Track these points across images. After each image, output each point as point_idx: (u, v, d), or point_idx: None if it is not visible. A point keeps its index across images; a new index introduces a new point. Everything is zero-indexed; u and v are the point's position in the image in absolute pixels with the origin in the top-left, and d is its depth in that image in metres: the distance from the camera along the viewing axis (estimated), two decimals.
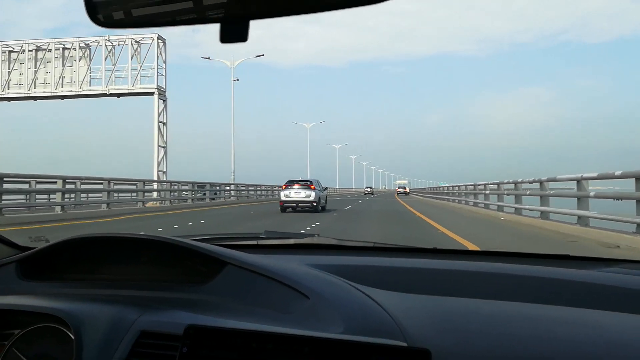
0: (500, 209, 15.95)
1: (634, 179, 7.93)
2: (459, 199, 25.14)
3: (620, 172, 8.43)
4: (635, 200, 7.79)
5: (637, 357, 0.76)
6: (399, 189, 71.94)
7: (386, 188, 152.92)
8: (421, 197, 42.97)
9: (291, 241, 1.65)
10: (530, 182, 13.48)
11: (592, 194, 9.57)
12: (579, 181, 10.16)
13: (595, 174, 9.67)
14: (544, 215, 11.89)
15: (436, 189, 46.34)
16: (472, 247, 8.04)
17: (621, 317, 0.92)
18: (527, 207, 13.48)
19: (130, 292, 1.06)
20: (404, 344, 0.74)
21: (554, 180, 11.79)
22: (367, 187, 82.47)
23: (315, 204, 18.03)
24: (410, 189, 78.23)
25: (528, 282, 1.09)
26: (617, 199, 8.70)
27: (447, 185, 47.90)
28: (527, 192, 13.81)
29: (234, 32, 0.62)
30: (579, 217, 9.91)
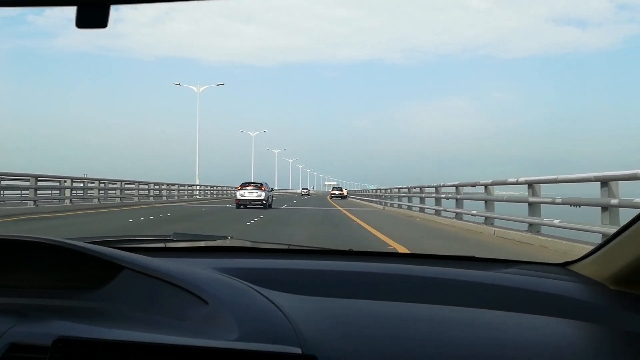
0: (422, 210, 17.98)
1: (526, 185, 9.46)
2: (384, 200, 27.17)
3: (513, 179, 10.33)
4: (527, 203, 9.31)
5: (530, 356, 0.76)
6: (334, 191, 53.05)
7: (314, 189, 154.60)
8: (354, 199, 45.49)
9: (201, 244, 1.58)
10: (450, 186, 14.93)
11: (497, 196, 11.46)
12: (487, 186, 11.78)
13: (489, 181, 11.63)
14: (459, 216, 13.31)
15: (364, 192, 48.89)
16: (385, 238, 9.33)
17: (515, 317, 0.93)
18: (448, 209, 14.95)
19: (7, 300, 0.95)
20: (298, 350, 0.71)
21: (466, 185, 13.35)
22: (303, 189, 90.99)
23: (265, 202, 22.59)
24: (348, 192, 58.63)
25: (431, 284, 1.09)
26: (512, 202, 10.65)
27: (374, 188, 50.54)
28: (444, 196, 15.62)
29: (92, 17, 0.56)
30: (486, 217, 11.41)
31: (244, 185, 23.53)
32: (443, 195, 15.31)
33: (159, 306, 0.89)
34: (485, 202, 11.34)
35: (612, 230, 7.14)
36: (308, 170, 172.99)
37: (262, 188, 23.15)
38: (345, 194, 53.69)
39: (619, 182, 7.08)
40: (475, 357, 0.75)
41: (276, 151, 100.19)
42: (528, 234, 8.93)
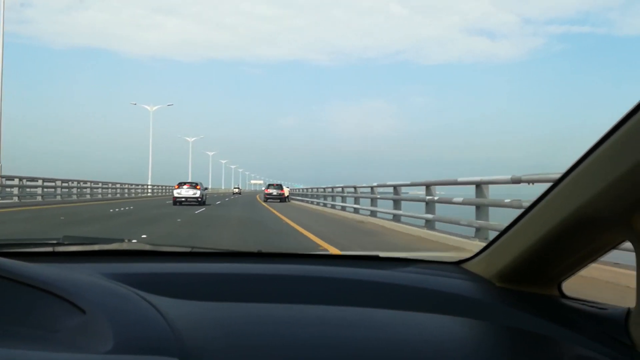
0: (343, 208, 20.09)
1: (424, 186, 11.59)
2: (314, 200, 28.45)
3: (409, 181, 13.01)
4: (424, 203, 11.40)
5: (417, 354, 0.77)
6: (270, 190, 37.62)
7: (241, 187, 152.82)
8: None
9: (95, 247, 1.45)
10: (365, 187, 17.22)
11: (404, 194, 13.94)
12: (395, 187, 13.97)
13: (388, 182, 14.16)
14: (373, 213, 15.46)
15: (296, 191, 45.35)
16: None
17: (408, 315, 0.94)
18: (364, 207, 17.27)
19: None
20: None
21: (383, 185, 15.18)
22: (235, 188, 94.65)
23: (200, 200, 26.11)
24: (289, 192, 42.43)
25: (332, 285, 1.08)
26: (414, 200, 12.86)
27: (301, 187, 49.85)
28: (359, 194, 18.13)
29: None
30: (394, 215, 13.64)
31: (180, 185, 27.07)
32: (379, 195, 16.11)
33: (32, 317, 0.79)
34: (427, 203, 12.11)
35: (481, 223, 8.18)
36: (240, 170, 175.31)
37: (198, 187, 26.80)
38: (285, 194, 37.96)
39: (495, 185, 8.77)
40: (365, 357, 0.75)
41: (210, 153, 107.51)
42: (433, 232, 10.43)
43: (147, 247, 1.45)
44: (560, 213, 0.86)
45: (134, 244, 1.59)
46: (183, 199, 25.83)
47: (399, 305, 0.98)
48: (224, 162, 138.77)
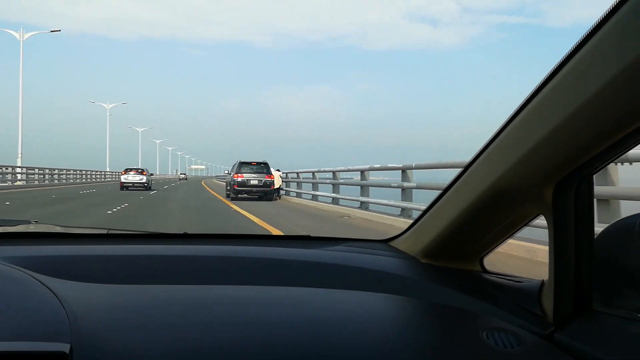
0: (315, 198, 17.91)
1: (359, 172, 12.55)
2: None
3: (357, 166, 13.26)
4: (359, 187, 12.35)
5: (340, 330, 0.76)
6: (245, 177, 17.46)
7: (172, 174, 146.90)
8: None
9: None
10: (307, 172, 18.03)
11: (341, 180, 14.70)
12: (334, 172, 14.88)
13: (341, 167, 14.57)
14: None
15: None
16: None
17: (333, 293, 0.92)
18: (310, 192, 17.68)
19: None
20: (65, 347, 0.60)
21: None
22: (181, 174, 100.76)
23: (146, 185, 27.72)
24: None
25: (255, 264, 1.05)
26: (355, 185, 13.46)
27: None
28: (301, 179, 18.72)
29: None
30: (333, 198, 14.53)
31: (127, 171, 28.83)
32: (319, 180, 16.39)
33: None
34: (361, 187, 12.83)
35: (406, 205, 9.22)
36: (187, 157, 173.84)
37: (144, 173, 28.64)
38: (277, 184, 19.20)
39: (418, 170, 9.91)
40: (278, 335, 0.72)
41: (158, 141, 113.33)
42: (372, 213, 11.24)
43: (58, 229, 1.34)
44: (477, 189, 0.87)
45: (42, 226, 1.47)
46: (130, 184, 27.52)
47: (323, 284, 0.96)
48: (170, 149, 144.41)
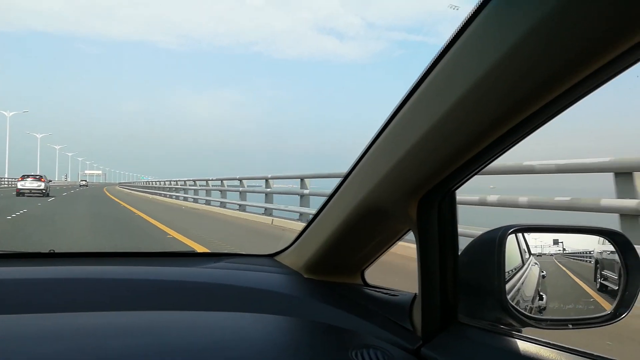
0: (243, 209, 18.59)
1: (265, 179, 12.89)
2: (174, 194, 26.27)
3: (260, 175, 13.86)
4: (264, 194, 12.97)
5: (217, 355, 0.71)
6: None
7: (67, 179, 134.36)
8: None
9: None
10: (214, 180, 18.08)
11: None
12: (241, 180, 15.17)
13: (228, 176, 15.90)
14: (222, 204, 16.44)
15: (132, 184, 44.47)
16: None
17: (208, 315, 0.87)
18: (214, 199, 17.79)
19: None
20: None
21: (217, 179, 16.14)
22: (82, 180, 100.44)
23: (44, 191, 26.94)
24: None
25: (125, 286, 0.96)
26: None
27: (150, 179, 48.58)
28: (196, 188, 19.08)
29: None
30: (240, 205, 14.67)
31: (24, 177, 28.30)
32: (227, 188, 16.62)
33: None
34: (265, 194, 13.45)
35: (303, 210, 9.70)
36: (87, 162, 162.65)
37: (42, 179, 28.07)
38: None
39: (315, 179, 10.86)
40: None
41: (57, 147, 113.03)
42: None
43: None
44: (350, 204, 0.88)
45: None
46: (27, 191, 26.62)
47: (202, 306, 0.91)
48: (70, 154, 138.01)
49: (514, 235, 0.84)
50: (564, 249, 0.83)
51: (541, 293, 0.80)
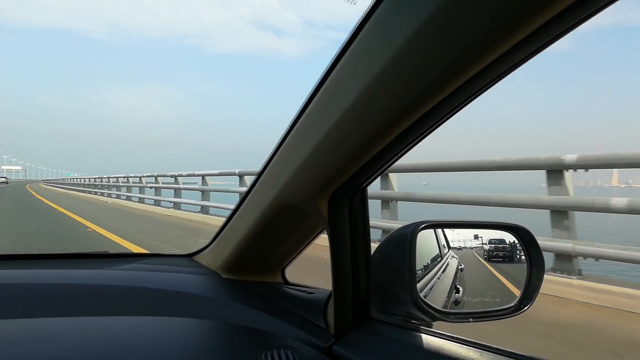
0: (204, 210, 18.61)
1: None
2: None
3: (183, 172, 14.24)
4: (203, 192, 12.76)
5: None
6: None
7: None
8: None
9: None
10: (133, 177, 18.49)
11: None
12: (156, 177, 15.89)
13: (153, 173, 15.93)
14: (141, 200, 17.15)
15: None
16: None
17: (119, 320, 0.83)
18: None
19: None
20: None
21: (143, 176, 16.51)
22: (2, 177, 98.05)
23: None
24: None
25: (30, 292, 0.89)
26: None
27: (76, 176, 45.67)
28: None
29: None
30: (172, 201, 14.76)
31: None
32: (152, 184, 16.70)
33: None
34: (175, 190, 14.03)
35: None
36: (5, 157, 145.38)
37: None
38: None
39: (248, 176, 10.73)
40: None
41: None
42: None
43: None
44: (264, 202, 0.86)
45: None
46: None
47: (115, 310, 0.86)
48: None
49: (432, 230, 0.85)
50: (483, 243, 0.85)
51: (458, 286, 0.81)
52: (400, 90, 0.57)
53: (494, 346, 0.63)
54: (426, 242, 0.84)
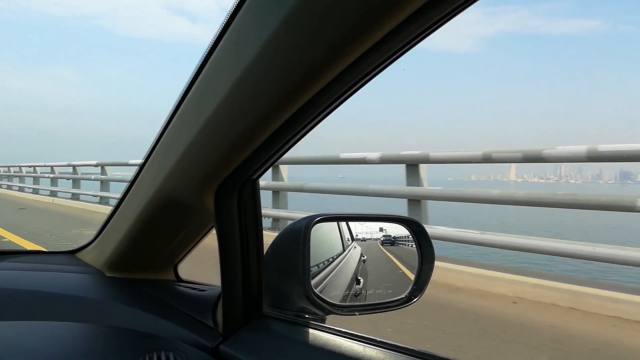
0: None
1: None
2: None
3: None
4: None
5: None
6: None
7: None
8: None
9: None
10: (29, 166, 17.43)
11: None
12: (52, 167, 15.16)
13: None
14: (35, 191, 16.32)
15: None
16: None
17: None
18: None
19: None
20: None
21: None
22: None
23: None
24: None
25: None
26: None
27: None
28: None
29: None
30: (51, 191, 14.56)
31: None
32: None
33: None
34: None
35: None
36: None
37: None
38: None
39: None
40: None
41: None
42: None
43: None
44: (146, 196, 0.81)
45: None
46: None
47: None
48: None
49: (336, 223, 0.85)
50: (386, 236, 0.86)
51: (359, 277, 0.82)
52: (277, 80, 0.55)
53: (378, 339, 0.63)
54: (329, 236, 0.84)
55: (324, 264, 0.79)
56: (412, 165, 5.29)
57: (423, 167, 5.25)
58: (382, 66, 0.53)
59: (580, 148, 3.84)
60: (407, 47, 0.50)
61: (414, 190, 5.25)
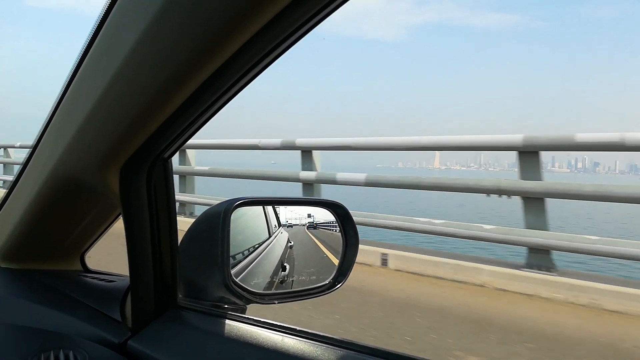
0: None
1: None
2: None
3: None
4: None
5: None
6: None
7: None
8: None
9: None
10: None
11: None
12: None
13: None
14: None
15: None
16: None
17: None
18: None
19: None
20: None
21: None
22: None
23: None
24: None
25: None
26: None
27: None
28: None
29: None
30: None
31: None
32: None
33: None
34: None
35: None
36: None
37: None
38: None
39: None
40: None
41: None
42: None
43: None
44: (40, 176, 0.73)
45: None
46: None
47: None
48: None
49: (262, 208, 0.81)
50: (313, 221, 0.85)
51: (285, 264, 0.79)
52: (176, 49, 0.51)
53: (298, 328, 0.61)
54: (255, 222, 0.80)
55: (248, 251, 0.75)
56: (306, 152, 5.70)
57: (316, 154, 5.70)
58: (284, 43, 0.50)
59: (500, 137, 4.22)
60: (308, 24, 0.48)
61: (309, 175, 5.62)
